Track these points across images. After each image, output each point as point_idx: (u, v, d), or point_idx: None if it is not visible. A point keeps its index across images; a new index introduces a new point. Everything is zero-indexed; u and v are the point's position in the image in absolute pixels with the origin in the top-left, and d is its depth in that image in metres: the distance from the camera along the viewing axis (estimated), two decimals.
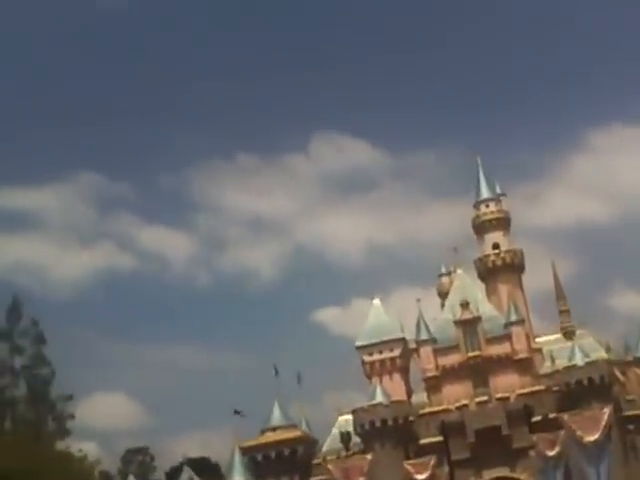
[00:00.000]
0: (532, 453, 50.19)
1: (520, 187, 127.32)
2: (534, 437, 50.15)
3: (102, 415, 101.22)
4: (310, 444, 58.83)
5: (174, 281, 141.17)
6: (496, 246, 66.27)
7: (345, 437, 56.42)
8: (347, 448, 55.73)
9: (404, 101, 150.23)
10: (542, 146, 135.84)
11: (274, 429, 57.44)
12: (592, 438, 47.53)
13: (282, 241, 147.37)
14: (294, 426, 58.53)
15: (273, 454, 55.56)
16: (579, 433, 47.92)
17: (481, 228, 67.56)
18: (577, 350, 54.03)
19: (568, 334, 59.64)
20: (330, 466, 52.68)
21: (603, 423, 47.74)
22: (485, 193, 69.07)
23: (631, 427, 48.34)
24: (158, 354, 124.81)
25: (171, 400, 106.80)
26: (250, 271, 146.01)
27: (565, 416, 49.09)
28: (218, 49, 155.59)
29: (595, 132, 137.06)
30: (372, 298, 67.26)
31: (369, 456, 51.82)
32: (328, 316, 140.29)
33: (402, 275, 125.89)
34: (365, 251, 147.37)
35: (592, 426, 47.75)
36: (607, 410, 48.15)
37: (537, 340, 60.46)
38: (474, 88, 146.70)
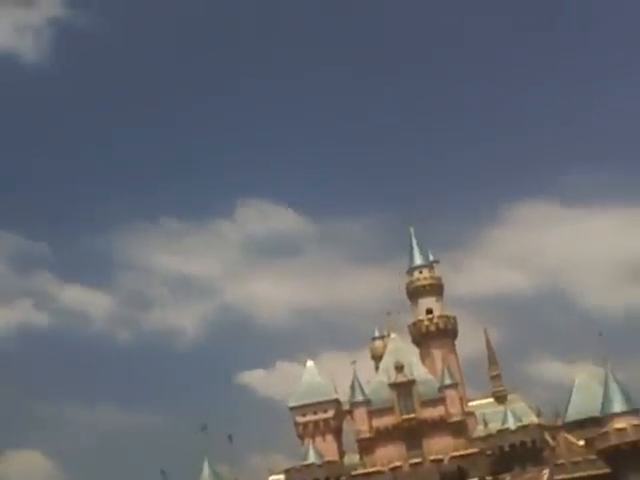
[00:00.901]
0: None
1: (448, 256, 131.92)
2: None
3: (17, 473, 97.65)
4: None
5: (95, 339, 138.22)
6: (429, 311, 67.65)
7: None
8: None
9: (330, 169, 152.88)
10: (466, 218, 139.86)
11: None
12: None
13: (207, 302, 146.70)
14: None
15: None
16: None
17: (415, 293, 68.94)
18: (509, 414, 55.33)
19: (500, 398, 60.88)
20: None
21: None
22: (418, 260, 70.69)
23: None
24: (78, 413, 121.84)
25: (90, 461, 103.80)
26: (175, 331, 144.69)
27: (507, 477, 49.74)
28: (143, 111, 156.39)
29: (513, 206, 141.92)
30: (304, 360, 67.59)
31: None
32: (253, 378, 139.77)
33: (330, 338, 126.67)
34: (290, 314, 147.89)
35: None
36: (546, 472, 49.10)
37: (470, 404, 61.53)
38: (400, 159, 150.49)
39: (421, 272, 69.88)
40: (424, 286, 68.85)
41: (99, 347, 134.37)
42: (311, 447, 58.19)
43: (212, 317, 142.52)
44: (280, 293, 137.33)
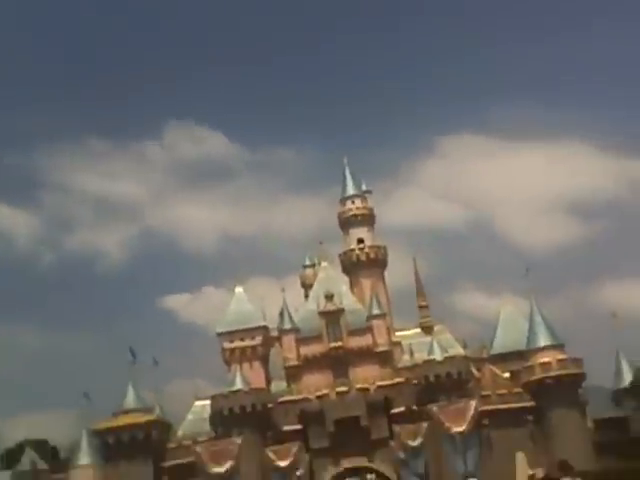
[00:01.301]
0: (392, 443, 51.16)
1: (381, 187, 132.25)
2: (397, 428, 51.06)
3: None
4: (164, 428, 57.71)
5: (17, 260, 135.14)
6: (360, 241, 67.40)
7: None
8: (216, 432, 54.98)
9: (264, 97, 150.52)
10: (401, 149, 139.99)
11: (127, 412, 56.01)
12: (460, 429, 48.81)
13: (132, 225, 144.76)
14: (148, 410, 57.22)
15: (126, 437, 54.24)
16: (447, 424, 49.14)
17: (346, 223, 68.52)
18: (436, 345, 55.79)
19: (427, 329, 61.44)
20: (199, 449, 51.62)
21: (470, 415, 49.21)
22: (351, 190, 70.10)
23: (486, 422, 50.05)
24: None
25: (9, 380, 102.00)
26: (99, 253, 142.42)
27: (434, 407, 50.25)
28: (75, 30, 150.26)
29: (448, 139, 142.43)
30: (232, 286, 66.80)
31: (238, 440, 51.13)
32: (178, 302, 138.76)
33: (259, 265, 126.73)
34: (219, 240, 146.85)
35: (459, 418, 49.05)
36: (474, 403, 49.69)
37: (397, 334, 61.92)
38: (336, 89, 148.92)
39: (353, 202, 69.38)
40: (356, 216, 68.44)
41: (22, 268, 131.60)
42: (238, 374, 57.87)
43: (137, 240, 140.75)
44: (209, 219, 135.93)
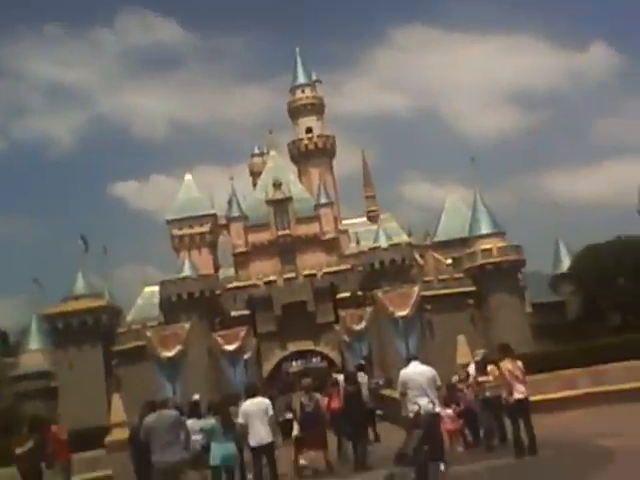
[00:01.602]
0: (337, 327, 52.55)
1: (332, 77, 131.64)
2: (342, 312, 52.33)
3: None
4: (114, 313, 58.22)
5: None
6: (309, 130, 67.44)
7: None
8: (165, 317, 55.75)
9: None
10: (352, 39, 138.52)
11: (77, 298, 56.15)
12: (403, 313, 50.30)
13: (83, 112, 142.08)
14: (98, 295, 57.53)
15: (76, 322, 54.45)
16: (391, 309, 50.52)
17: (296, 112, 68.35)
18: (381, 233, 56.82)
19: (373, 218, 62.45)
20: (149, 333, 52.36)
21: (413, 300, 50.60)
22: (302, 79, 69.71)
23: (428, 307, 51.54)
24: None
25: None
26: (48, 139, 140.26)
27: (379, 292, 51.42)
28: None
29: (398, 30, 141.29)
30: (180, 174, 66.95)
31: (187, 325, 51.98)
32: (127, 190, 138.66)
33: (208, 153, 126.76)
34: (168, 128, 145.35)
35: (403, 303, 50.45)
36: (416, 288, 51.03)
37: (344, 222, 62.90)
38: None
39: (303, 91, 69.05)
40: (305, 105, 68.27)
41: None
42: (187, 260, 58.23)
43: (87, 127, 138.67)
44: (160, 106, 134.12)
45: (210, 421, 13.55)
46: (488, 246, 53.22)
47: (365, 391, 16.70)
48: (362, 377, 17.27)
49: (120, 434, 19.35)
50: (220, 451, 12.90)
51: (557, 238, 62.61)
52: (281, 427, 15.40)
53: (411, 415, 11.97)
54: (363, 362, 23.23)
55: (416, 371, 12.49)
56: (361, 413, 15.48)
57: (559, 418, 16.42)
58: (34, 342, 58.94)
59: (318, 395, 15.21)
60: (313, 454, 14.79)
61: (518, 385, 13.08)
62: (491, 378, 14.15)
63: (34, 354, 58.11)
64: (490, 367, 14.27)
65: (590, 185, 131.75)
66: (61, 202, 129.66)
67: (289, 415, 15.00)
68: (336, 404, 15.68)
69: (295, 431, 14.98)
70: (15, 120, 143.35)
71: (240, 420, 12.76)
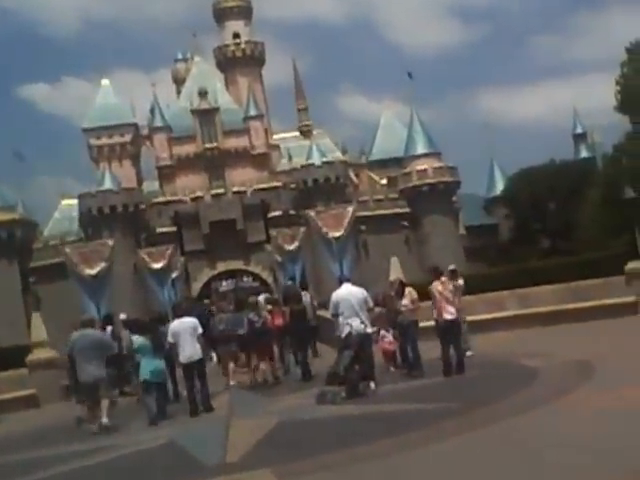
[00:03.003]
0: (268, 247, 50.91)
1: None
2: (274, 232, 50.56)
3: None
4: (30, 228, 54.90)
5: None
6: (237, 35, 63.89)
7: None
8: (86, 233, 52.77)
9: None
10: None
11: None
12: (337, 234, 48.85)
13: None
14: (11, 208, 54.03)
15: None
16: (324, 229, 48.98)
17: (222, 15, 64.53)
18: (315, 149, 54.55)
19: (306, 133, 60.19)
20: (68, 250, 49.43)
21: (347, 220, 49.10)
22: None
23: (363, 227, 50.30)
24: None
25: None
26: None
27: (312, 212, 49.70)
28: None
29: None
30: (95, 78, 62.70)
31: (110, 242, 49.30)
32: (36, 92, 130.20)
33: (126, 55, 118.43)
34: (79, 23, 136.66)
35: (336, 223, 48.93)
36: (351, 209, 49.49)
37: (275, 137, 60.49)
38: None
39: None
40: (232, 7, 64.43)
41: None
42: (107, 172, 54.94)
43: None
44: None
45: (140, 339, 13.91)
46: (424, 167, 52.04)
47: (310, 309, 17.59)
48: (305, 295, 18.10)
49: (42, 353, 19.93)
50: (148, 367, 13.27)
51: (492, 160, 61.97)
52: (239, 340, 16.30)
53: (343, 336, 12.55)
54: (292, 281, 26.10)
55: (348, 292, 12.89)
56: (305, 330, 16.62)
57: (487, 339, 17.02)
58: None
59: (265, 312, 16.44)
60: (263, 367, 15.74)
61: (448, 306, 13.28)
62: (407, 302, 14.12)
63: None
64: (407, 290, 14.26)
65: (527, 106, 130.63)
66: None
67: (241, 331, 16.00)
68: (280, 321, 16.90)
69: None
70: None
71: (170, 339, 13.28)
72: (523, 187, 53.40)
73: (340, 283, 13.41)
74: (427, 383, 12.80)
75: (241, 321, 15.90)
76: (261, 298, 19.21)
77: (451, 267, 15.92)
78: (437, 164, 52.74)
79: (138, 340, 13.90)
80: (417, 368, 13.64)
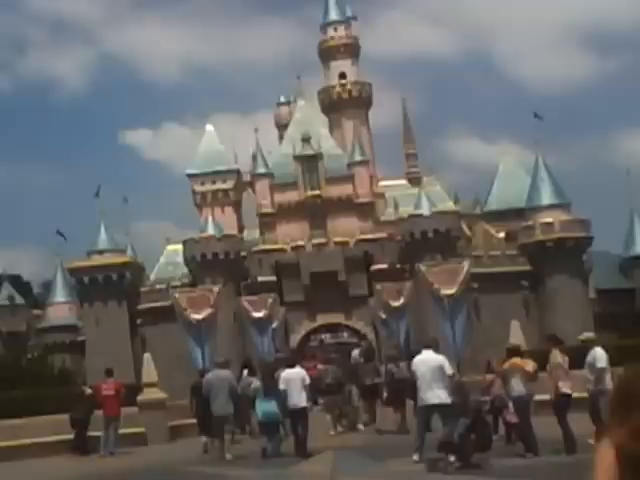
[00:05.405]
0: (371, 302, 48.07)
1: (366, 12, 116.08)
2: (378, 286, 47.59)
3: None
4: (138, 270, 54.39)
5: None
6: (343, 76, 61.61)
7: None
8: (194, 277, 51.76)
9: None
10: None
11: (101, 252, 52.53)
12: (450, 292, 44.74)
13: (87, 50, 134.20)
14: (122, 251, 53.82)
15: (101, 277, 50.46)
16: (436, 285, 45.30)
17: (327, 54, 62.39)
18: (424, 198, 50.61)
19: (414, 180, 56.95)
20: (177, 295, 48.31)
21: (461, 277, 44.97)
22: (334, 14, 63.42)
23: (475, 285, 46.58)
24: None
25: None
26: (53, 80, 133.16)
27: (422, 266, 46.08)
28: None
29: None
30: (196, 124, 61.88)
31: (216, 288, 47.74)
32: (139, 138, 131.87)
33: (226, 100, 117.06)
34: (180, 69, 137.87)
35: (449, 280, 45.10)
36: (466, 264, 45.59)
37: (381, 184, 57.59)
38: None
39: (336, 29, 62.97)
40: (338, 46, 62.20)
41: None
42: (210, 218, 53.64)
43: (92, 67, 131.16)
44: (168, 44, 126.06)
45: (257, 383, 16.55)
46: (549, 219, 47.09)
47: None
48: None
49: (153, 393, 21.07)
50: (262, 407, 15.31)
51: (632, 213, 55.61)
52: (369, 389, 18.42)
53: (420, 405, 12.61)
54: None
55: (422, 361, 12.73)
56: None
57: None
58: (60, 295, 57.96)
59: (403, 364, 17.55)
60: (393, 416, 17.47)
61: (567, 379, 12.84)
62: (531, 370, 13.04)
63: (60, 307, 57.18)
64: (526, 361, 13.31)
65: None
66: (72, 150, 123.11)
67: (377, 379, 18.05)
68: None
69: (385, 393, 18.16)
70: (15, 56, 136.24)
71: (282, 386, 14.71)
72: None
73: (424, 348, 13.20)
74: (551, 461, 12.36)
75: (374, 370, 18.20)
76: (355, 353, 20.69)
77: (583, 336, 15.62)
78: (565, 217, 47.68)
79: (255, 383, 16.64)
80: (533, 444, 12.82)
